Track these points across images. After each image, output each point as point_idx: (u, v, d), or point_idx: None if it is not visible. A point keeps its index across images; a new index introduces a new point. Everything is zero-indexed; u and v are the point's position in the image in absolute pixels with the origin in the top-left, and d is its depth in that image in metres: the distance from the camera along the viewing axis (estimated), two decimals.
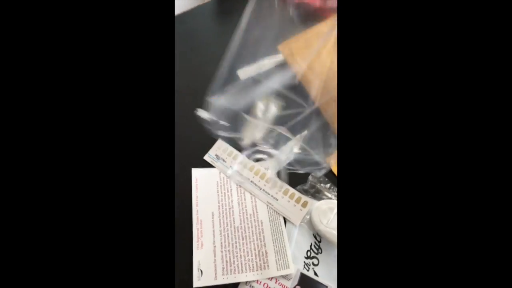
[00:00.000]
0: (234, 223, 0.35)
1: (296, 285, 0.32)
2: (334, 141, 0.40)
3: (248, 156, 0.37)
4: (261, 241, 0.34)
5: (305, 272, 0.33)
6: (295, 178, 0.37)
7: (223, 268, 0.33)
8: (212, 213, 0.36)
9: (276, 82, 0.41)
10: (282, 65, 0.46)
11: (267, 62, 0.47)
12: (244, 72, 0.46)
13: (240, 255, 0.33)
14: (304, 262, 0.33)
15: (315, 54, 0.42)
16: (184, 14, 0.50)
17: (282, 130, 0.38)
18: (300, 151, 0.39)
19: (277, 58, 0.46)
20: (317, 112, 0.41)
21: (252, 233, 0.35)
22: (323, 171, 0.38)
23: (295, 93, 0.42)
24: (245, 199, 0.37)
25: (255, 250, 0.34)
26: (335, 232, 0.33)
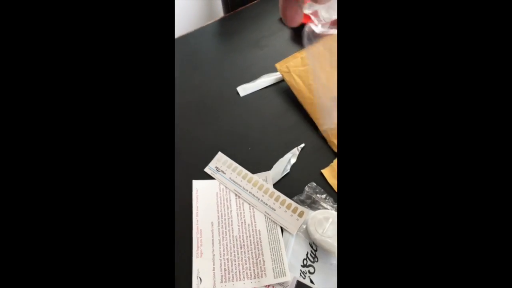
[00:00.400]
0: (232, 232, 0.37)
1: None
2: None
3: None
4: (258, 250, 0.35)
5: (301, 279, 0.34)
6: (292, 189, 0.39)
7: (222, 275, 0.34)
8: (212, 223, 0.37)
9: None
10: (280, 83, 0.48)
11: (265, 80, 0.49)
12: (244, 89, 0.48)
13: (238, 263, 0.34)
14: (301, 270, 0.34)
15: (311, 71, 0.44)
16: (187, 36, 0.53)
17: None
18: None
19: (275, 75, 0.49)
20: (315, 127, 0.43)
21: (250, 242, 0.36)
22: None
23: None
24: (243, 210, 0.38)
25: (252, 258, 0.35)
26: (330, 241, 0.34)
